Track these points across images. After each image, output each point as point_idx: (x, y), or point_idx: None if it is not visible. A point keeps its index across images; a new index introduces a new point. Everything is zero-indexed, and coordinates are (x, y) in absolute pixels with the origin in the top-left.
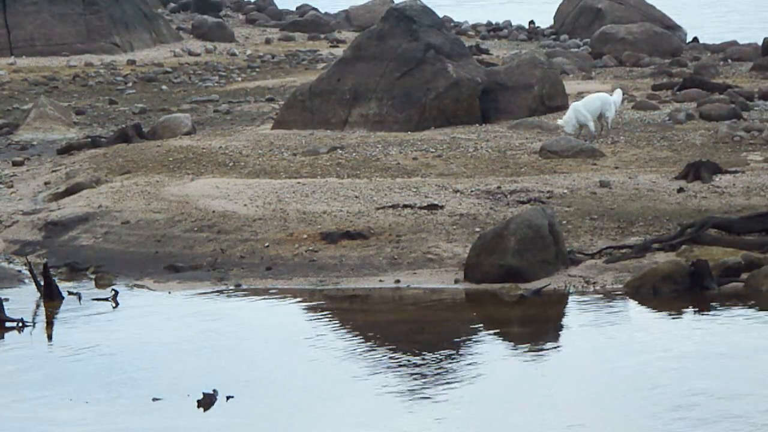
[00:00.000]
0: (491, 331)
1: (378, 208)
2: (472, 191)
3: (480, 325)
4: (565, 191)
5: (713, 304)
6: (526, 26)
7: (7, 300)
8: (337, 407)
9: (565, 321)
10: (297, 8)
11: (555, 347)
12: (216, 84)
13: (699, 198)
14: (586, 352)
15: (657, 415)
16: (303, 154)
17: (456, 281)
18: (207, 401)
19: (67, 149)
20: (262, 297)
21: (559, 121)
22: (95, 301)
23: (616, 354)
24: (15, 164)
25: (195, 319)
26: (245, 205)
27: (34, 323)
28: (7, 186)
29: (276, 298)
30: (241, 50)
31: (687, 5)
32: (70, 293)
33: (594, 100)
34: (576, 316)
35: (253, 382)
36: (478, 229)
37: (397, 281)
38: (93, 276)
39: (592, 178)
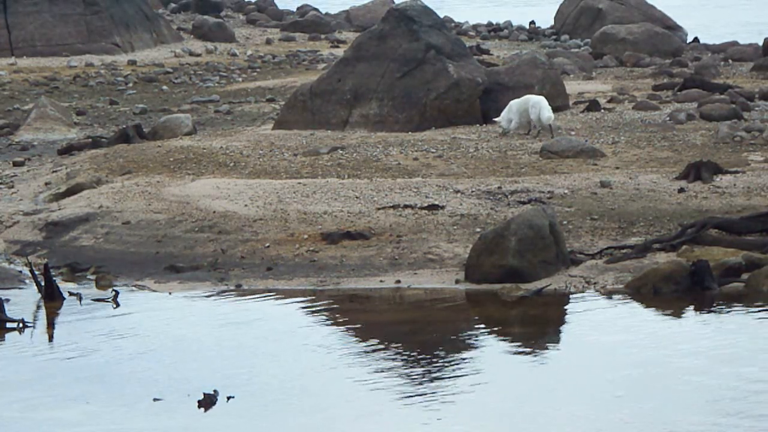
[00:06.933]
0: (492, 332)
1: (379, 209)
2: (472, 191)
3: (481, 326)
4: (566, 191)
5: (714, 304)
6: (527, 26)
7: (7, 300)
8: (338, 407)
9: (565, 321)
10: (297, 8)
11: (556, 347)
12: (217, 84)
13: (700, 198)
14: (586, 353)
15: (659, 414)
16: (304, 155)
17: (457, 281)
18: (207, 401)
19: (68, 149)
20: (263, 297)
21: (497, 119)
22: (96, 302)
23: (616, 354)
24: (15, 164)
25: (196, 319)
26: (246, 205)
27: (35, 324)
28: (8, 186)
29: (277, 298)
30: (241, 50)
31: (687, 5)
32: (70, 294)
33: (525, 101)
34: (576, 316)
35: (254, 383)
36: (478, 230)
37: (398, 281)
38: (94, 276)
39: (592, 178)
